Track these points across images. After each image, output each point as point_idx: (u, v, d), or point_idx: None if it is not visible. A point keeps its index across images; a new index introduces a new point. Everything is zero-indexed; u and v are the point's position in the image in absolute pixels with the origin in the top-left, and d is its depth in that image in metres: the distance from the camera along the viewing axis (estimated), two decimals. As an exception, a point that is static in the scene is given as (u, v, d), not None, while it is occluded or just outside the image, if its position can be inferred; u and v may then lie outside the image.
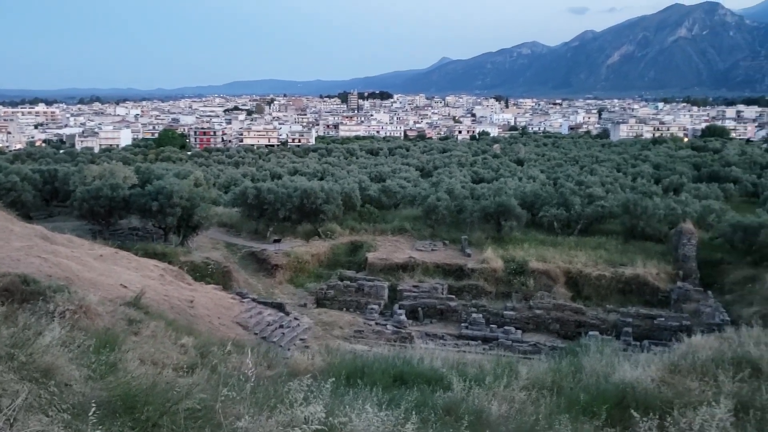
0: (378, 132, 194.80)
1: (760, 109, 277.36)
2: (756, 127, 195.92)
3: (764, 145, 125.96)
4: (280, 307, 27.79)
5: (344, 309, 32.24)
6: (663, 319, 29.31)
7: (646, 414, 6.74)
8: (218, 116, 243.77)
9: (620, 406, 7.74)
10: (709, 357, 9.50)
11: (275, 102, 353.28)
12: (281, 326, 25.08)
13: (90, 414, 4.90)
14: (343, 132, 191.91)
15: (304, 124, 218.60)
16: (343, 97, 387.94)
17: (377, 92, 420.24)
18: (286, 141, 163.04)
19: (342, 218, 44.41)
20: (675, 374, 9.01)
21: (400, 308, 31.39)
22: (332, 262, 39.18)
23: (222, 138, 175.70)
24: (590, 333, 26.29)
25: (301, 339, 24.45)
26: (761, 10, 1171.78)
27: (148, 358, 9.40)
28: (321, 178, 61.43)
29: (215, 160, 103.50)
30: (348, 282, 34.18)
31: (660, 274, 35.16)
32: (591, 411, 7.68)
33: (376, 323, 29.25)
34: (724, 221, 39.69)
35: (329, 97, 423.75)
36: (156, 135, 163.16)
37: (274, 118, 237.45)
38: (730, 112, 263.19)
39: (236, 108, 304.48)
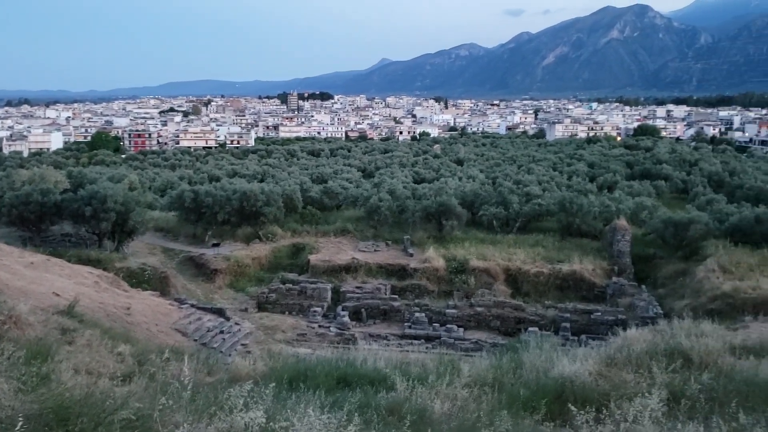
0: (319, 133, 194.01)
1: (688, 108, 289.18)
2: (685, 125, 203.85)
3: (693, 144, 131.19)
4: (220, 312, 27.31)
5: (287, 312, 31.93)
6: (599, 313, 30.12)
7: (584, 407, 6.91)
8: (153, 118, 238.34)
9: (559, 401, 7.91)
10: (643, 349, 9.81)
11: (213, 103, 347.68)
12: (222, 332, 24.66)
13: (17, 428, 4.69)
14: (284, 133, 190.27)
15: (243, 125, 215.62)
16: (283, 98, 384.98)
17: (318, 93, 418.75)
18: (225, 143, 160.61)
19: (283, 220, 43.97)
20: (611, 367, 9.26)
21: (343, 310, 31.30)
22: (274, 265, 38.71)
23: (157, 140, 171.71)
24: (530, 329, 26.82)
25: (242, 344, 24.10)
26: (688, 13, 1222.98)
27: (83, 368, 9.09)
28: (261, 180, 60.76)
29: (151, 163, 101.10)
30: (290, 285, 33.85)
31: (596, 270, 36.08)
32: (531, 406, 7.81)
33: (320, 326, 29.10)
34: (656, 217, 41.01)
35: (269, 97, 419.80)
36: (89, 138, 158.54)
37: (211, 119, 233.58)
38: (661, 111, 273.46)
39: (172, 109, 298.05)
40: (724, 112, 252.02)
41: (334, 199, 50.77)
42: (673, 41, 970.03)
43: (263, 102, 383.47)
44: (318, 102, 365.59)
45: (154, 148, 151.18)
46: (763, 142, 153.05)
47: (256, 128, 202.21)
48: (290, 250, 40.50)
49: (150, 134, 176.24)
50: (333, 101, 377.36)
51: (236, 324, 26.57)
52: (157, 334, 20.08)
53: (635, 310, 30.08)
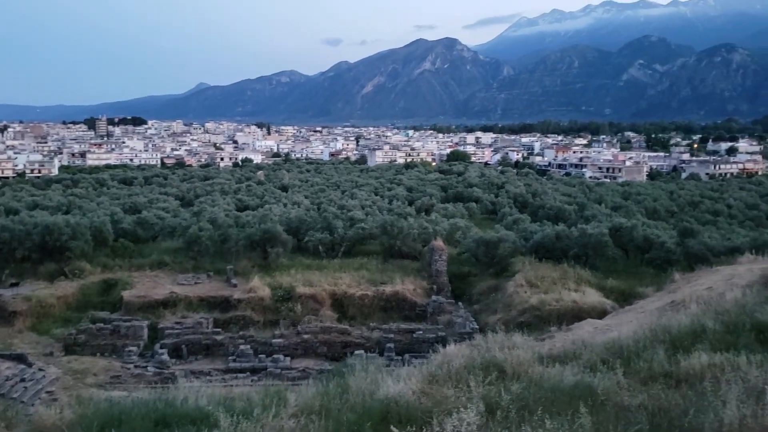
0: (132, 160, 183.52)
1: (494, 135, 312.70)
2: (492, 151, 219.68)
3: (499, 168, 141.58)
4: (20, 358, 24.68)
5: (98, 354, 29.59)
6: (421, 332, 31.17)
7: (407, 426, 6.98)
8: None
9: (385, 422, 7.94)
10: (462, 364, 10.15)
11: (9, 129, 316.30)
12: (23, 380, 22.28)
13: None
14: (92, 161, 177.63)
15: (45, 152, 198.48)
16: (91, 123, 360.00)
17: (130, 118, 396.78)
18: (24, 172, 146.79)
19: (92, 255, 40.84)
20: (433, 384, 9.48)
21: (161, 347, 29.61)
22: (83, 304, 35.66)
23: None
24: (356, 352, 27.06)
25: (47, 392, 21.92)
26: (492, 47, 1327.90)
27: None
28: (66, 212, 55.99)
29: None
30: (102, 324, 31.44)
31: (417, 290, 37.41)
32: (357, 430, 7.77)
33: (135, 366, 27.29)
34: (469, 237, 43.51)
35: (74, 123, 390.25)
36: None
37: (8, 147, 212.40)
38: (470, 138, 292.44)
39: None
40: (526, 139, 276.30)
41: (150, 230, 48.16)
42: (480, 73, 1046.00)
43: (68, 128, 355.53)
44: (130, 127, 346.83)
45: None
46: (560, 166, 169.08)
47: (60, 156, 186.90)
48: (101, 287, 37.62)
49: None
50: (147, 126, 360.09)
51: (40, 370, 24.14)
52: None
53: (454, 327, 31.49)
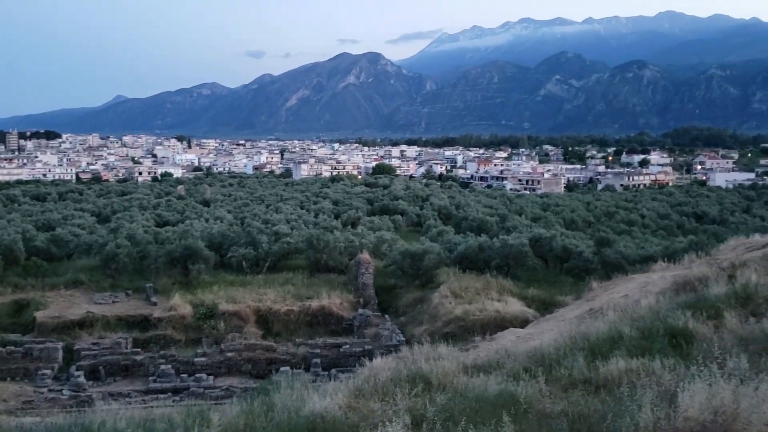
0: (45, 175, 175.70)
1: (419, 148, 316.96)
2: (416, 164, 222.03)
3: (424, 180, 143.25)
4: None
5: (9, 378, 28.03)
6: (348, 346, 31.02)
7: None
8: None
9: (311, 439, 7.83)
10: (388, 377, 10.13)
11: None
12: None
13: None
14: (2, 176, 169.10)
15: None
16: (1, 137, 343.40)
17: (42, 131, 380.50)
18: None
19: (2, 274, 38.83)
20: (360, 398, 9.41)
21: (78, 370, 28.32)
22: (-9, 326, 33.81)
23: None
24: (282, 369, 26.61)
25: (-50, 422, 20.50)
26: (415, 62, 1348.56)
27: None
28: (-26, 230, 53.06)
29: None
30: (12, 347, 29.79)
31: (343, 304, 37.23)
32: (282, 449, 7.62)
33: (49, 390, 25.97)
34: (395, 250, 43.75)
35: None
36: None
37: None
38: (395, 151, 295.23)
39: None
40: (449, 152, 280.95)
41: (64, 248, 46.16)
42: (404, 87, 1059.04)
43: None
44: (43, 141, 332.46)
45: None
46: (482, 178, 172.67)
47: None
48: (11, 308, 35.69)
49: None
50: (61, 140, 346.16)
51: (-58, 399, 22.62)
52: None
53: (380, 340, 31.49)
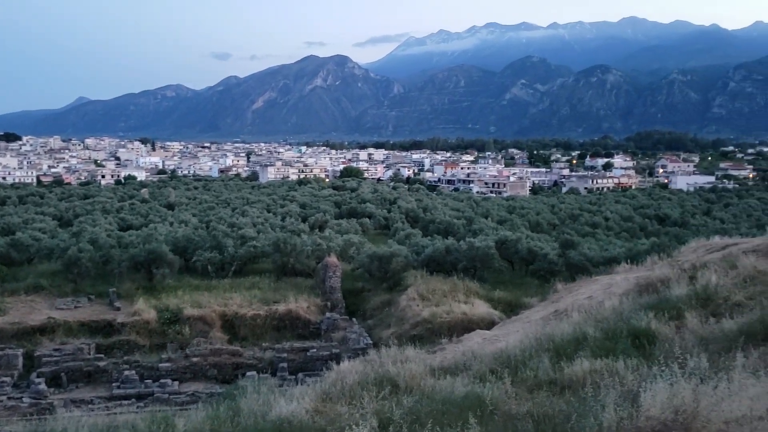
0: (4, 178, 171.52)
1: (386, 152, 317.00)
2: (384, 167, 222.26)
3: (391, 184, 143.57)
4: None
5: (-35, 387, 27.28)
6: (315, 350, 30.88)
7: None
8: None
9: (277, 444, 7.78)
10: (355, 381, 10.13)
11: None
12: None
13: None
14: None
15: None
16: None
17: (2, 134, 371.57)
18: None
19: (-41, 280, 37.85)
20: (327, 402, 9.40)
21: (38, 377, 27.69)
22: (-53, 333, 32.88)
23: None
24: (248, 374, 26.41)
25: None
26: (382, 65, 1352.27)
27: None
28: (-71, 234, 51.62)
29: None
30: (-31, 354, 29.05)
31: (311, 307, 37.06)
32: (249, 454, 7.56)
33: (9, 397, 25.31)
34: (363, 253, 43.67)
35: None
36: None
37: None
38: (363, 154, 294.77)
39: None
40: (416, 155, 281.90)
41: (24, 252, 45.15)
42: (371, 90, 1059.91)
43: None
44: (3, 143, 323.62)
45: None
46: (449, 181, 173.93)
47: None
48: (-31, 314, 34.81)
49: None
50: (21, 143, 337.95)
51: None
52: None
53: (348, 343, 31.42)
